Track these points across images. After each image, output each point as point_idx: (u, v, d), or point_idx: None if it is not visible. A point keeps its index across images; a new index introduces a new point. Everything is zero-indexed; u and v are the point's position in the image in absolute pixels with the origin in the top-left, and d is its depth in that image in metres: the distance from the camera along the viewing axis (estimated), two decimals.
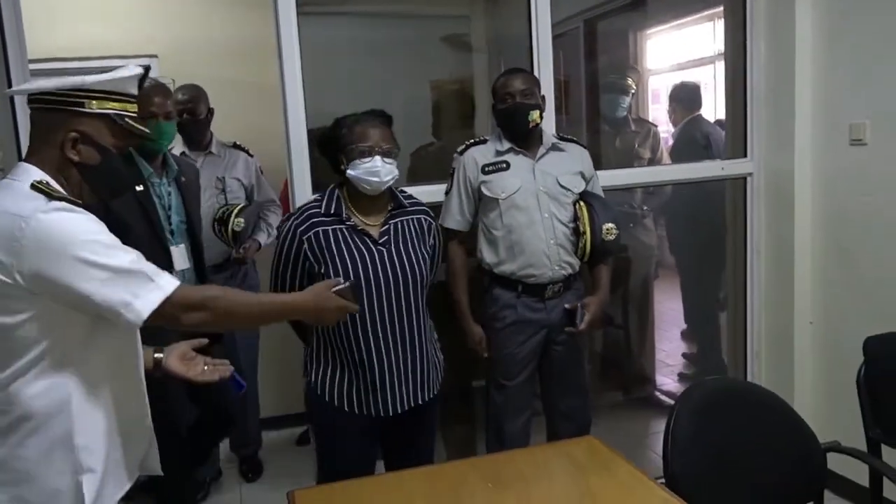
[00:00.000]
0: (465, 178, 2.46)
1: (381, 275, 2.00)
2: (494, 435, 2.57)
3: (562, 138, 2.57)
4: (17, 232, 1.29)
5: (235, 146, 3.23)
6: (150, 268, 1.39)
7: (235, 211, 2.96)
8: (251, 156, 3.25)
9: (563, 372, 2.54)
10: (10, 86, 2.18)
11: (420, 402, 2.08)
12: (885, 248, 2.66)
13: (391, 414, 2.04)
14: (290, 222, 2.04)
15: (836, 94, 2.81)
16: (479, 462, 1.79)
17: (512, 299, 2.45)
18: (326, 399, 2.04)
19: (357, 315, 1.93)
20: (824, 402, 2.93)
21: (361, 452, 2.09)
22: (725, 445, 1.74)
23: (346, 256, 1.99)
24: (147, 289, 1.35)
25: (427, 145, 3.30)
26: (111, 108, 1.45)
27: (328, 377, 2.05)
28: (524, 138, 2.46)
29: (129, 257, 1.38)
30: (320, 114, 2.54)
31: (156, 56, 3.82)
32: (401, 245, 2.06)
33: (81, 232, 1.35)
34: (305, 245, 2.00)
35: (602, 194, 2.60)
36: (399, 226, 2.08)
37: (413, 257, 2.06)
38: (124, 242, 1.44)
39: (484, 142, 2.51)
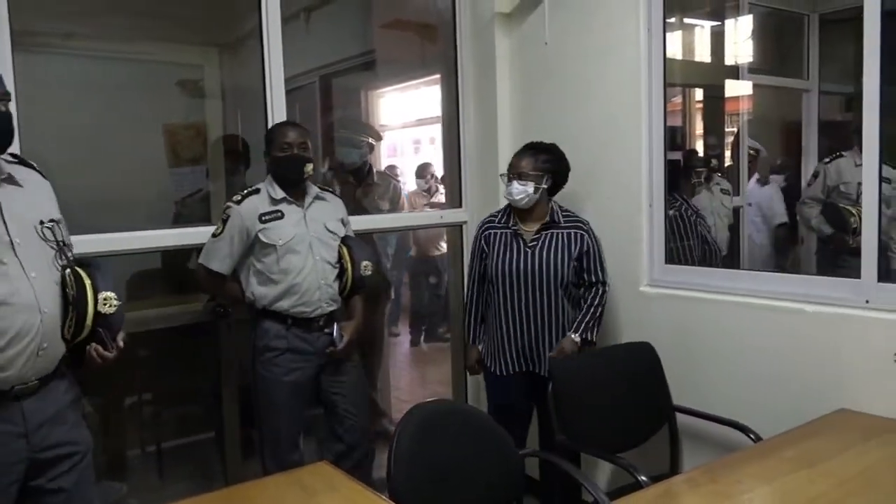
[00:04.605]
0: (241, 226, 2.53)
1: (523, 268, 2.69)
2: (271, 460, 2.63)
3: (322, 188, 2.76)
4: None
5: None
6: None
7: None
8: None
9: (337, 398, 2.71)
10: None
11: None
12: None
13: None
14: (481, 224, 2.87)
15: None
16: (214, 497, 1.81)
17: (282, 331, 2.59)
18: None
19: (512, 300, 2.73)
20: None
21: None
22: (441, 459, 1.93)
23: (503, 250, 2.73)
24: None
25: (195, 193, 3.38)
26: None
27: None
28: (296, 187, 2.62)
29: None
30: (32, 152, 2.42)
31: None
32: (545, 250, 2.70)
33: None
34: (482, 240, 2.81)
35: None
36: (551, 235, 2.73)
37: (553, 259, 2.69)
38: None
39: (257, 191, 2.60)
